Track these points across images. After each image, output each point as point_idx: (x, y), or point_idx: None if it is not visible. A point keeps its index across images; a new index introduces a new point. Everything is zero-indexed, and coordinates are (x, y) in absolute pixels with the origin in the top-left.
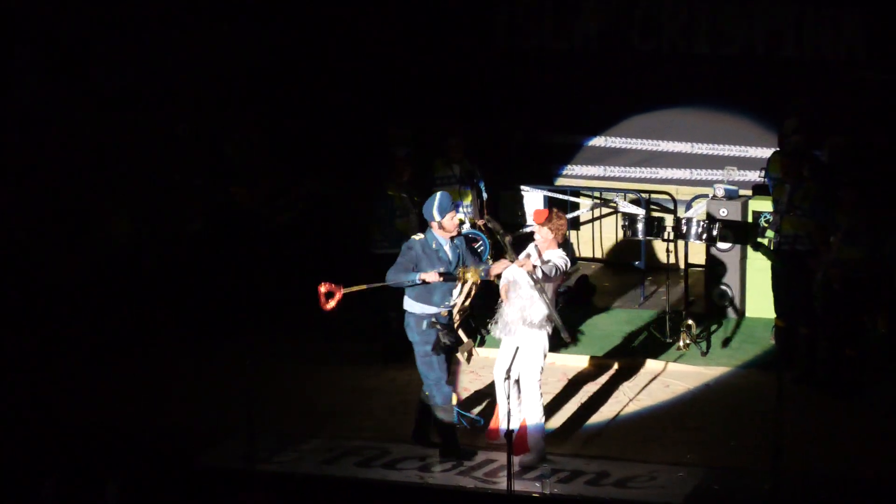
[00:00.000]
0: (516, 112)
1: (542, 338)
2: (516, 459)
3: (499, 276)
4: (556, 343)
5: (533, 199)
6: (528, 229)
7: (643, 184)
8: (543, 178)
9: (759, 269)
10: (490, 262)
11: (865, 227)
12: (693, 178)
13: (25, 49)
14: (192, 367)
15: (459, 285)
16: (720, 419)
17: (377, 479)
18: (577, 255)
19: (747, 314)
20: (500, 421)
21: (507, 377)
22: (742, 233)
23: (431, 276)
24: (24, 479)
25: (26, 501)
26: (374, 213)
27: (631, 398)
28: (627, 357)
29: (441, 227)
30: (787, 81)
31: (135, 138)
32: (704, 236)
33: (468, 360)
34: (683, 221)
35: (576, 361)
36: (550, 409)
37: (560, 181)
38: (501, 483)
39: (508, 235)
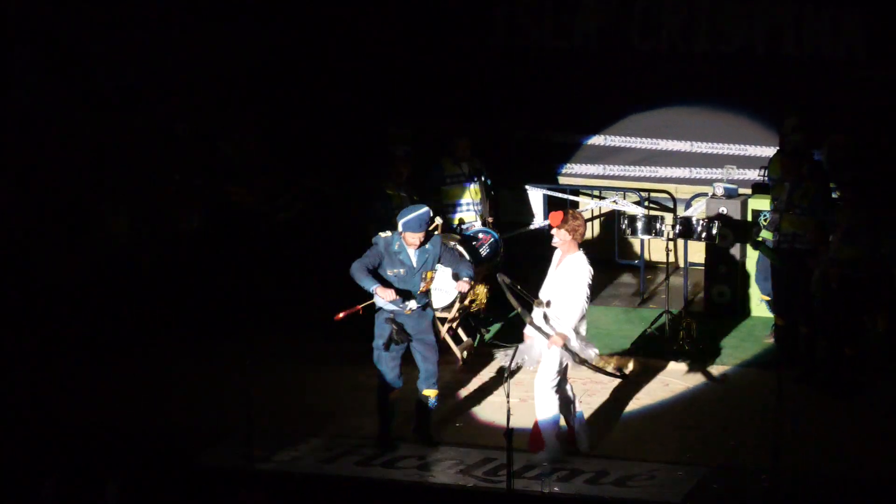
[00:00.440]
0: (516, 111)
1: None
2: (531, 456)
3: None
4: None
5: (534, 199)
6: (533, 226)
7: (643, 182)
8: (545, 178)
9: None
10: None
11: (865, 226)
12: (692, 176)
13: (25, 49)
14: (192, 367)
15: (423, 287)
16: (719, 418)
17: (377, 479)
18: None
19: (747, 313)
20: (537, 429)
21: (507, 377)
22: (742, 232)
23: (386, 294)
24: (24, 479)
25: (26, 501)
26: (372, 212)
27: (631, 398)
28: (627, 356)
29: (403, 238)
30: (787, 80)
31: (134, 138)
32: (704, 235)
33: (465, 358)
34: (682, 220)
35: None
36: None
37: (559, 180)
38: (501, 482)
39: (519, 300)
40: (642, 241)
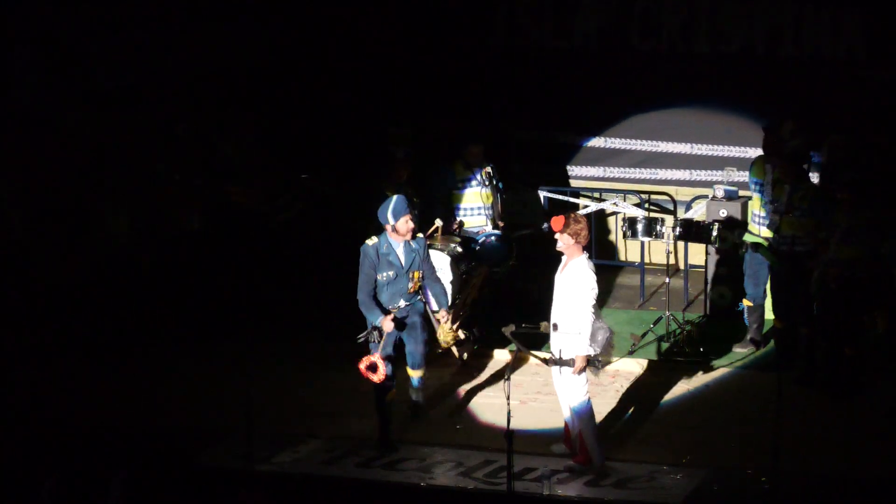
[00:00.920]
0: (516, 112)
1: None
2: (569, 464)
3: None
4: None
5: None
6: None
7: (643, 184)
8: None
9: None
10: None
11: (864, 226)
12: (693, 178)
13: (25, 49)
14: (192, 367)
15: (412, 287)
16: (719, 420)
17: (377, 480)
18: None
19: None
20: (568, 432)
21: (507, 378)
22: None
23: (388, 327)
24: (24, 479)
25: (26, 502)
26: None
27: (630, 399)
28: (627, 358)
29: (395, 230)
30: (787, 81)
31: (134, 138)
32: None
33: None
34: (682, 222)
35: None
36: (550, 410)
37: (570, 182)
38: (502, 484)
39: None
40: (642, 242)
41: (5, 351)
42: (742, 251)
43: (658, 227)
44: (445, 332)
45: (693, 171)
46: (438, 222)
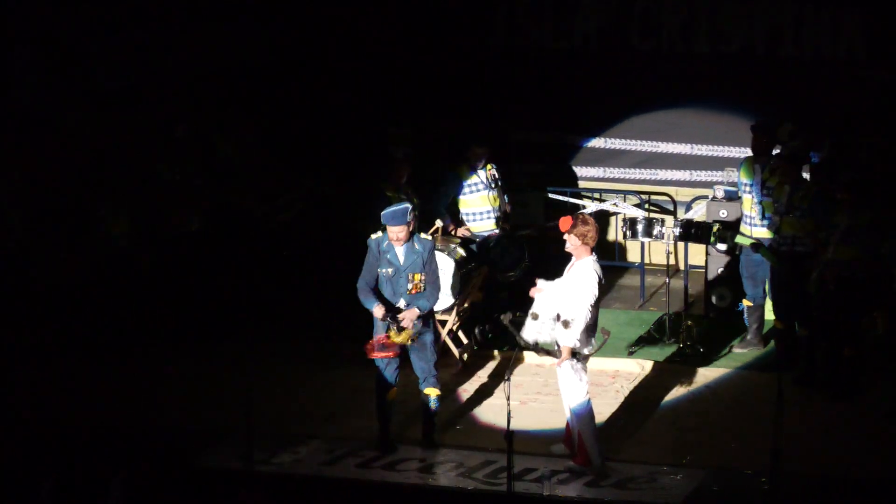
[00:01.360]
0: (516, 112)
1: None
2: (569, 464)
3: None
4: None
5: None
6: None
7: (643, 185)
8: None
9: None
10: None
11: (864, 226)
12: (693, 179)
13: (25, 49)
14: (192, 367)
15: (412, 289)
16: (719, 420)
17: (377, 481)
18: None
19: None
20: (569, 432)
21: (507, 379)
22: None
23: (378, 313)
24: (24, 479)
25: (26, 502)
26: (371, 213)
27: (630, 399)
28: (627, 358)
29: (389, 234)
30: (787, 81)
31: (134, 138)
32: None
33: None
34: (683, 222)
35: None
36: (550, 410)
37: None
38: (502, 484)
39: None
40: (643, 243)
41: (5, 351)
42: (737, 253)
43: (658, 228)
44: (394, 333)
45: (693, 171)
46: (438, 223)
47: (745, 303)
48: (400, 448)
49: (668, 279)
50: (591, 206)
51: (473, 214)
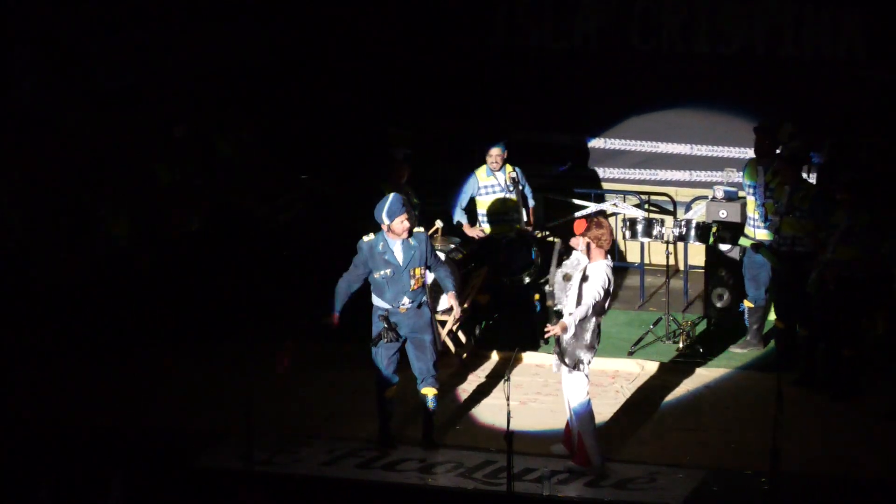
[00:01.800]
0: (515, 113)
1: (582, 341)
2: (568, 465)
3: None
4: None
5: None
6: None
7: (642, 185)
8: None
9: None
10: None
11: (863, 227)
12: (692, 179)
13: (25, 49)
14: (192, 368)
15: (414, 285)
16: (719, 420)
17: (377, 481)
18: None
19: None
20: (569, 432)
21: (507, 379)
22: (741, 234)
23: (330, 323)
24: (23, 479)
25: (25, 502)
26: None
27: (630, 399)
28: (627, 358)
29: (390, 230)
30: (787, 81)
31: (134, 138)
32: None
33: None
34: (683, 223)
35: None
36: (550, 410)
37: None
38: (501, 485)
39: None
40: (642, 243)
41: (5, 351)
42: (740, 254)
43: (658, 228)
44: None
45: (693, 171)
46: (439, 223)
47: (747, 304)
48: (399, 447)
49: (667, 279)
50: (590, 207)
51: (488, 216)
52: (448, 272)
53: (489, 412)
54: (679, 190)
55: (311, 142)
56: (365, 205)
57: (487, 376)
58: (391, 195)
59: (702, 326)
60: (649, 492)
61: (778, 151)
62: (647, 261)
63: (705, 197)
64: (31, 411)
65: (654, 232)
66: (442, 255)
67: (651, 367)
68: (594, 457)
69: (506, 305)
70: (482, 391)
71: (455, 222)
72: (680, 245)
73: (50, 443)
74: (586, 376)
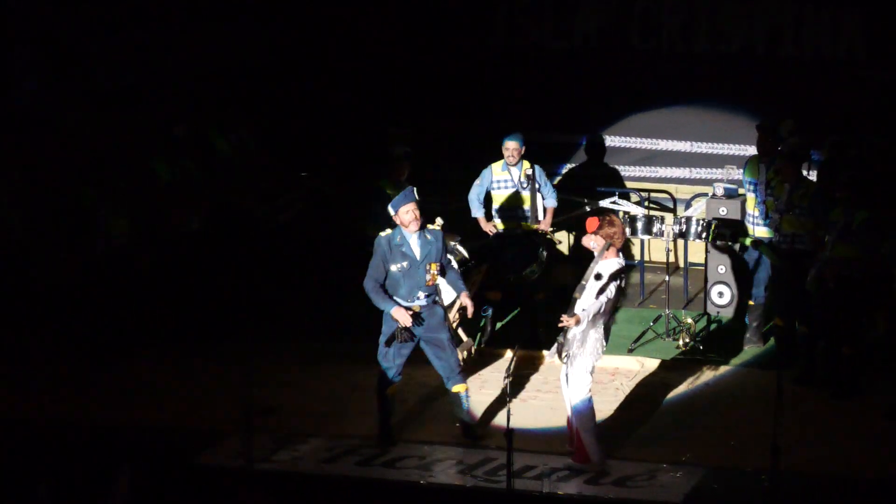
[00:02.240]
0: (516, 112)
1: (590, 340)
2: (568, 462)
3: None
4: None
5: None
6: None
7: (643, 183)
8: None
9: None
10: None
11: (862, 225)
12: (692, 176)
13: (25, 49)
14: (192, 366)
15: (429, 280)
16: (719, 418)
17: (377, 478)
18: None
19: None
20: (571, 430)
21: (507, 376)
22: (741, 231)
23: (401, 316)
24: (22, 479)
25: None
26: (371, 212)
27: (630, 396)
28: (626, 356)
29: (401, 222)
30: (787, 80)
31: (134, 138)
32: (703, 235)
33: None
34: (683, 220)
35: None
36: (550, 408)
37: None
38: (501, 482)
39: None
40: (642, 240)
41: (5, 350)
42: (740, 251)
43: (658, 225)
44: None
45: (693, 169)
46: (440, 221)
47: (751, 302)
48: (399, 445)
49: (667, 277)
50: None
51: (499, 211)
52: (458, 273)
53: (490, 409)
54: (679, 187)
55: (310, 141)
56: (365, 204)
57: (488, 373)
58: (407, 187)
59: (702, 324)
60: (649, 489)
61: (779, 148)
62: (647, 258)
63: (705, 194)
64: (30, 410)
65: (654, 229)
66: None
67: (651, 364)
68: (594, 455)
69: (508, 303)
70: (483, 388)
71: (473, 216)
72: (680, 242)
73: (50, 442)
74: (589, 374)
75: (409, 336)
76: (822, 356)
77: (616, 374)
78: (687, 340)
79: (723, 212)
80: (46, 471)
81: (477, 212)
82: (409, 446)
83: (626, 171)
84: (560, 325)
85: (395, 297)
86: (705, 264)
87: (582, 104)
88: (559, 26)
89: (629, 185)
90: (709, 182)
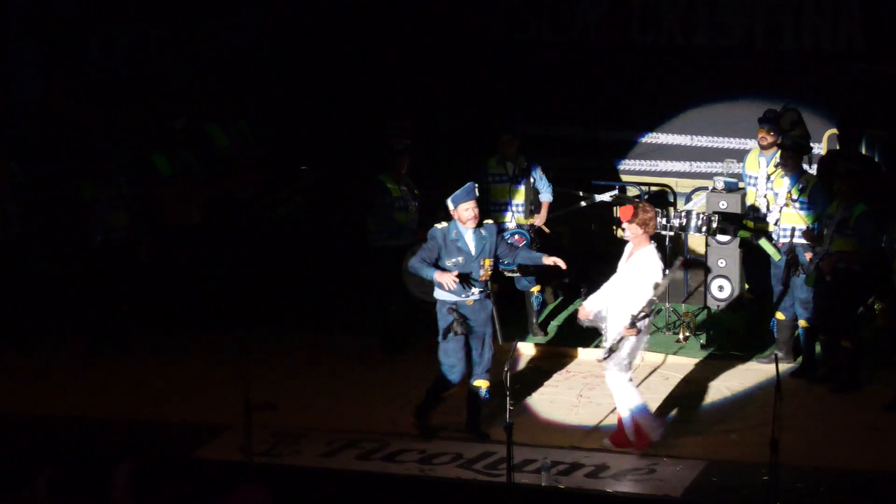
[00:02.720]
0: (516, 106)
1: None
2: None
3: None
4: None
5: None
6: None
7: (643, 176)
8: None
9: None
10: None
11: (862, 218)
12: (693, 170)
13: (25, 42)
14: (192, 360)
15: (483, 275)
16: (719, 412)
17: (377, 472)
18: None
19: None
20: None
21: (507, 370)
22: (741, 225)
23: (446, 279)
24: (21, 472)
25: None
26: (371, 204)
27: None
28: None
29: (459, 218)
30: (787, 73)
31: (133, 131)
32: (703, 229)
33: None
34: (683, 214)
35: (575, 354)
36: (550, 401)
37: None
38: (501, 475)
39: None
40: None
41: (4, 343)
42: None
43: (658, 219)
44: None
45: (693, 162)
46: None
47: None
48: (400, 439)
49: (667, 270)
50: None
51: (492, 205)
52: (525, 248)
53: (489, 404)
54: (679, 181)
55: (310, 134)
56: (364, 198)
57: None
58: (467, 184)
59: (702, 317)
60: (649, 483)
61: (780, 142)
62: None
63: (705, 188)
64: (29, 403)
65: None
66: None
67: (651, 358)
68: (654, 432)
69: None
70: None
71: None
72: (680, 235)
73: (48, 435)
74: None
75: (465, 328)
76: (822, 350)
77: None
78: (687, 334)
79: (723, 205)
80: (45, 464)
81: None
82: (409, 440)
83: (626, 164)
84: (620, 337)
85: (449, 292)
86: (705, 258)
87: (581, 98)
88: (559, 19)
89: (629, 178)
90: (709, 176)
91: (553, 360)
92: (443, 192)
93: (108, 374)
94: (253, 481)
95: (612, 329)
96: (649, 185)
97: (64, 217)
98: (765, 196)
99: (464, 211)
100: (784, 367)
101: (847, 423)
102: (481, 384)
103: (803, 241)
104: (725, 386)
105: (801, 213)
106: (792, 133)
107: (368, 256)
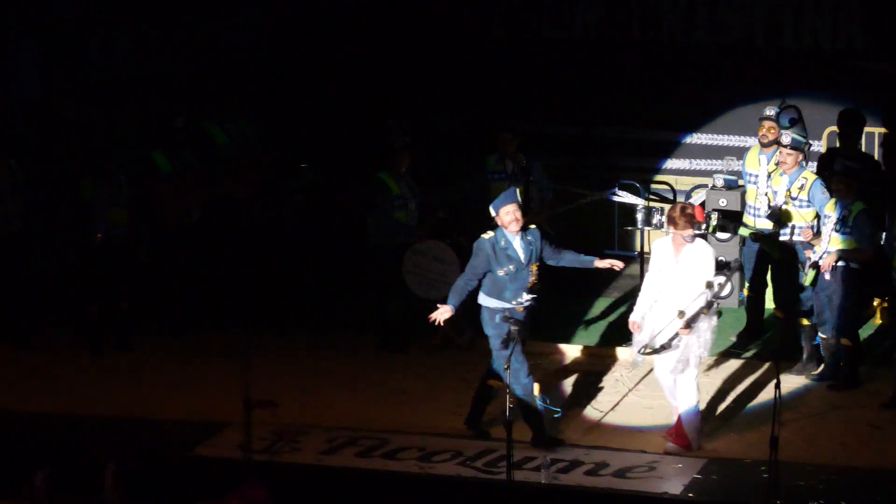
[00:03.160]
0: (516, 104)
1: (701, 327)
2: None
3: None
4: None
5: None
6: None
7: (642, 174)
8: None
9: None
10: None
11: (860, 216)
12: (693, 168)
13: (25, 41)
14: (191, 358)
15: (533, 282)
16: (719, 409)
17: (377, 470)
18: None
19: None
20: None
21: (507, 368)
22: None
23: (444, 312)
24: (19, 470)
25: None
26: (371, 203)
27: (630, 388)
28: (627, 347)
29: (501, 223)
30: (786, 71)
31: (133, 130)
32: (703, 227)
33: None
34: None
35: (575, 351)
36: (551, 400)
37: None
38: (501, 473)
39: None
40: (641, 231)
41: (3, 340)
42: (739, 244)
43: (658, 217)
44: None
45: (693, 160)
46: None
47: (745, 292)
48: (400, 436)
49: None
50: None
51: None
52: (571, 252)
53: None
54: (679, 178)
55: (310, 132)
56: (364, 197)
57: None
58: (507, 190)
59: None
60: (649, 480)
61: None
62: (646, 249)
63: (705, 185)
64: (28, 401)
65: (654, 220)
66: (441, 244)
67: (651, 357)
68: (695, 441)
69: None
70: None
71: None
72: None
73: (46, 432)
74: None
75: (521, 336)
76: (822, 348)
77: (616, 365)
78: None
79: (723, 203)
80: (44, 461)
81: (475, 204)
82: (409, 437)
83: (625, 162)
84: (675, 337)
85: (499, 300)
86: None
87: (582, 95)
88: (559, 17)
89: (628, 176)
90: (709, 173)
91: (552, 358)
92: (442, 191)
93: (108, 373)
94: (253, 479)
95: (664, 325)
96: (649, 182)
97: (64, 216)
98: (765, 194)
99: (505, 215)
100: (783, 364)
101: (846, 420)
102: (494, 385)
103: (802, 239)
104: (724, 383)
105: (801, 210)
106: (792, 131)
107: (368, 255)
